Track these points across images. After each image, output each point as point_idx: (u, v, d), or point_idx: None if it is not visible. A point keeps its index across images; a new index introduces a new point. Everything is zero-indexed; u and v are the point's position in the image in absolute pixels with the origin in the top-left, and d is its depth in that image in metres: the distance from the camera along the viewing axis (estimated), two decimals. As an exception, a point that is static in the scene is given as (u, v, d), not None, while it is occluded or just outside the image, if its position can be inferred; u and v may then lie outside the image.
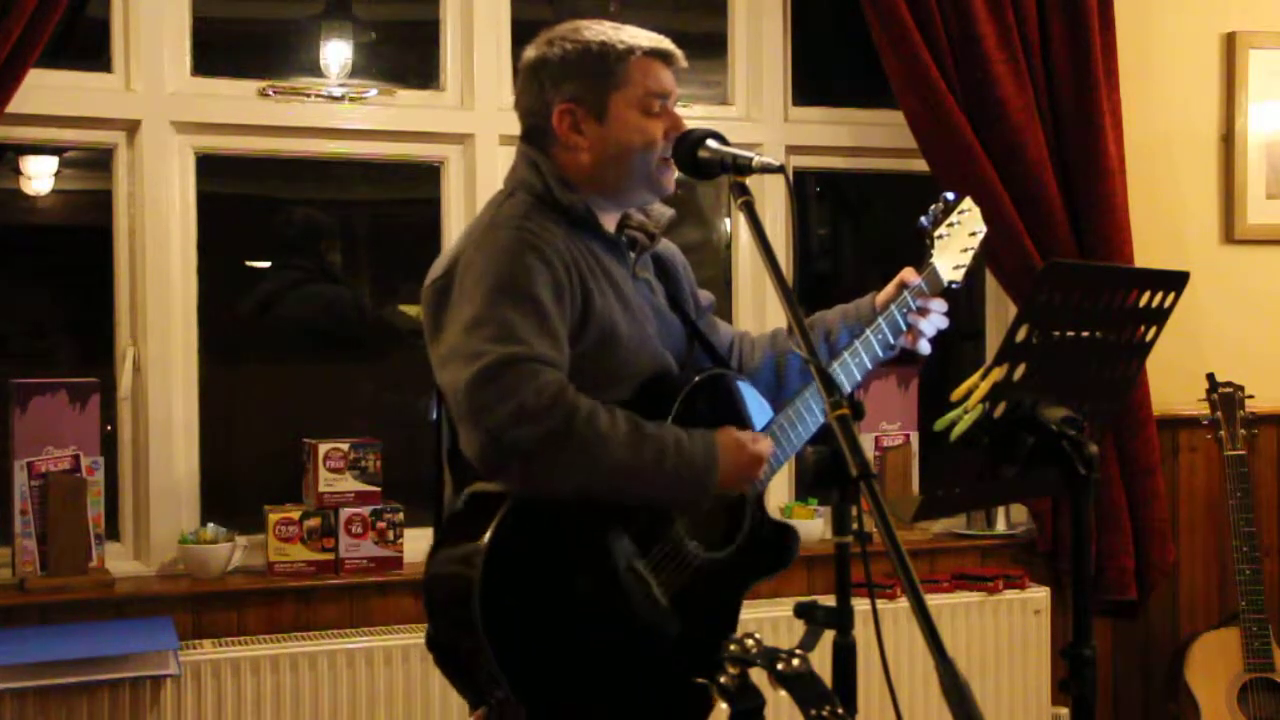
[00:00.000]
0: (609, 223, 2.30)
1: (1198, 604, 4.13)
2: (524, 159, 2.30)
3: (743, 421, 2.33)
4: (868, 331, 2.41)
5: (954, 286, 2.49)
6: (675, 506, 2.20)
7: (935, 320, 2.46)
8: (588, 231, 2.25)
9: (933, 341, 2.48)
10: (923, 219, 2.50)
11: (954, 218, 2.52)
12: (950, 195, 2.53)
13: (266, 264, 3.97)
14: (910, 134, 3.74)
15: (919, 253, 2.50)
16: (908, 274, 2.47)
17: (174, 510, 3.38)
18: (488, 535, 2.03)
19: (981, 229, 2.55)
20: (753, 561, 2.33)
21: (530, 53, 2.30)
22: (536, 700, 2.04)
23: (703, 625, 2.21)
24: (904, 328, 2.44)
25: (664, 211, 2.38)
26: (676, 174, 2.29)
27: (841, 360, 2.39)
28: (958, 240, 2.52)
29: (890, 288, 2.48)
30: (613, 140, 2.24)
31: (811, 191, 4.42)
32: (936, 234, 2.49)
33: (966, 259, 2.52)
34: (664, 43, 2.29)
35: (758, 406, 2.35)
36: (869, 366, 2.41)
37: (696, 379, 2.27)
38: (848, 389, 2.37)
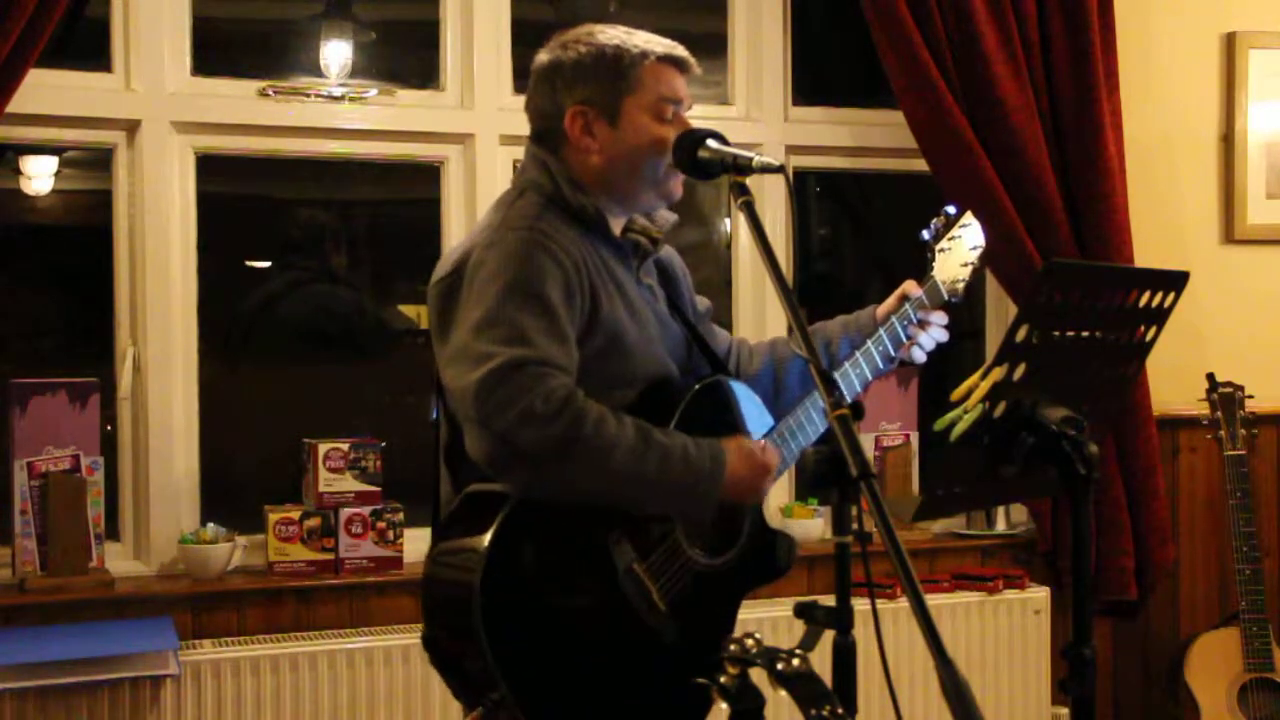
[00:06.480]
0: (615, 227, 2.30)
1: (1198, 604, 4.13)
2: (533, 159, 2.29)
3: (742, 427, 2.33)
4: (868, 342, 2.42)
5: (954, 300, 2.51)
6: (679, 516, 2.19)
7: (934, 333, 2.48)
8: (596, 234, 2.25)
9: (929, 353, 2.50)
10: (924, 233, 2.51)
11: (955, 231, 2.53)
12: (951, 209, 2.55)
13: (266, 264, 3.97)
14: (910, 134, 3.74)
15: (920, 265, 2.51)
16: (909, 286, 2.48)
17: (174, 510, 3.38)
18: (488, 537, 2.03)
19: (981, 243, 2.57)
20: (751, 568, 2.34)
21: (543, 56, 2.29)
22: (533, 703, 2.03)
23: (700, 630, 2.21)
24: (904, 339, 2.45)
25: (667, 216, 2.38)
26: (684, 179, 2.29)
27: (842, 370, 2.40)
28: (958, 254, 2.53)
29: (891, 300, 2.49)
30: (624, 144, 2.24)
31: (811, 191, 4.41)
32: (938, 248, 2.50)
33: (966, 273, 2.53)
34: (677, 49, 2.28)
35: (757, 413, 2.35)
36: (869, 377, 2.42)
37: (699, 385, 2.27)
38: (848, 400, 2.37)
